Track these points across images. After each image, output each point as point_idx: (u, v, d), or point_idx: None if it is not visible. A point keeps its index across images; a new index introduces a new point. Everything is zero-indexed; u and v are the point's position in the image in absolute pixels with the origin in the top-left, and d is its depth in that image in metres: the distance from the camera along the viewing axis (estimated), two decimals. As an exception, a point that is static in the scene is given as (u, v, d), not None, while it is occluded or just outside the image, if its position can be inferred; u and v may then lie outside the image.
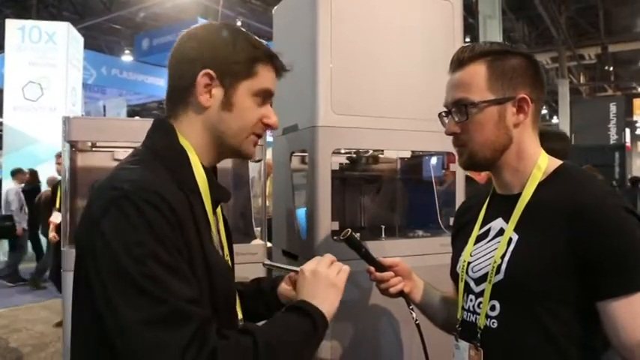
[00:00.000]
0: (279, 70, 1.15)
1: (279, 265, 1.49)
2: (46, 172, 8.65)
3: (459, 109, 1.20)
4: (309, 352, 1.07)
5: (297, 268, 1.30)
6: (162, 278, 0.88)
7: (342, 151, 2.25)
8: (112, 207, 0.92)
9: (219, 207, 1.20)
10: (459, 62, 1.23)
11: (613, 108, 15.78)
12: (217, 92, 1.08)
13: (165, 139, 1.08)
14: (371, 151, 2.20)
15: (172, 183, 1.01)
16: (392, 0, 2.07)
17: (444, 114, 1.28)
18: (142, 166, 1.02)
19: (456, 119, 1.21)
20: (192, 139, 1.09)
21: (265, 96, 1.13)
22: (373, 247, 1.70)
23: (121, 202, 0.92)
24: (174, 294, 0.88)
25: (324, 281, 1.15)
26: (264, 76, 1.11)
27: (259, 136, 1.16)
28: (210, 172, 1.12)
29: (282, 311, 1.10)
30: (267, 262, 1.45)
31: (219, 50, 1.08)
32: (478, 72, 1.19)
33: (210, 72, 1.06)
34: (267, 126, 1.15)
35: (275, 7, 2.49)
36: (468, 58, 1.21)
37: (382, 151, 2.16)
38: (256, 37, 1.14)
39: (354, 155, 2.22)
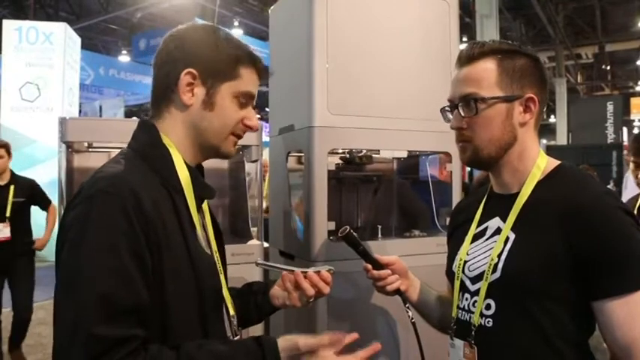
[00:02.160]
0: (262, 73, 1.16)
1: (272, 264, 1.49)
2: (44, 172, 8.62)
3: (467, 103, 1.20)
4: None
5: (291, 268, 1.29)
6: (100, 282, 0.90)
7: (340, 151, 2.25)
8: (82, 203, 0.96)
9: (206, 205, 1.21)
10: (468, 58, 1.22)
11: (610, 107, 15.80)
12: (199, 91, 1.10)
13: (148, 138, 1.10)
14: (364, 151, 2.20)
15: (154, 181, 1.03)
16: (388, 1, 2.07)
17: (447, 109, 1.27)
18: (124, 164, 1.04)
19: (463, 114, 1.21)
20: (174, 137, 1.11)
21: (247, 98, 1.14)
22: (369, 247, 1.69)
23: (90, 199, 0.95)
24: (107, 300, 0.89)
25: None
26: (247, 79, 1.13)
27: (239, 137, 1.17)
28: (195, 169, 1.14)
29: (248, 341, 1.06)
30: (260, 261, 1.45)
31: (202, 50, 1.10)
32: (488, 68, 1.19)
33: (193, 71, 1.08)
34: (248, 127, 1.16)
35: (271, 7, 2.49)
36: (479, 54, 1.21)
37: (378, 151, 2.16)
38: (240, 40, 1.16)
39: (348, 155, 2.22)
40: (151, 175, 1.04)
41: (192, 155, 1.14)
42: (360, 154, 2.20)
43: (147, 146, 1.09)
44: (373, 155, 2.22)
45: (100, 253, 0.91)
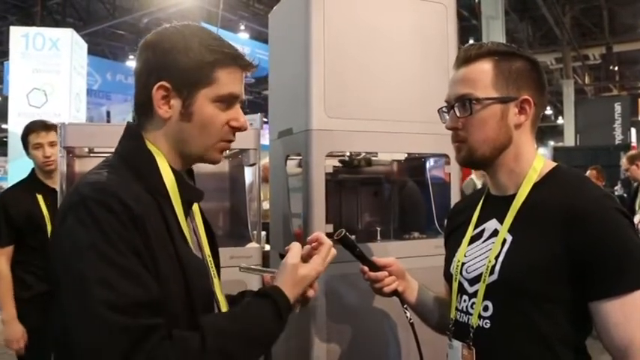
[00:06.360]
0: (246, 67, 1.11)
1: (255, 267, 1.49)
2: (51, 177, 8.66)
3: (462, 104, 1.22)
4: (268, 339, 1.08)
5: (274, 270, 1.29)
6: (110, 281, 0.89)
7: (339, 153, 2.25)
8: (69, 213, 0.95)
9: (196, 207, 1.20)
10: (465, 59, 1.24)
11: (618, 108, 15.74)
12: (176, 103, 1.06)
13: (132, 144, 1.09)
14: (363, 154, 2.20)
15: (139, 187, 1.02)
16: (385, 4, 2.07)
17: (444, 109, 1.29)
18: (109, 170, 1.03)
19: (459, 114, 1.22)
20: (159, 145, 1.09)
21: (229, 100, 1.09)
22: (368, 249, 1.69)
23: (76, 207, 0.94)
24: (121, 296, 0.89)
25: (290, 272, 1.14)
26: (226, 80, 1.07)
27: (230, 141, 1.13)
28: (180, 173, 1.11)
29: (251, 297, 1.12)
30: (244, 265, 1.45)
31: (172, 59, 1.05)
32: (484, 69, 1.21)
33: (165, 84, 1.04)
34: (235, 129, 1.11)
35: (271, 11, 2.49)
36: (475, 55, 1.22)
37: (376, 153, 2.16)
38: (216, 37, 1.10)
39: (347, 159, 2.22)
40: (134, 182, 1.02)
41: (178, 162, 1.12)
42: (359, 157, 2.19)
43: (130, 151, 1.08)
44: (372, 158, 2.22)
45: (101, 255, 0.90)
